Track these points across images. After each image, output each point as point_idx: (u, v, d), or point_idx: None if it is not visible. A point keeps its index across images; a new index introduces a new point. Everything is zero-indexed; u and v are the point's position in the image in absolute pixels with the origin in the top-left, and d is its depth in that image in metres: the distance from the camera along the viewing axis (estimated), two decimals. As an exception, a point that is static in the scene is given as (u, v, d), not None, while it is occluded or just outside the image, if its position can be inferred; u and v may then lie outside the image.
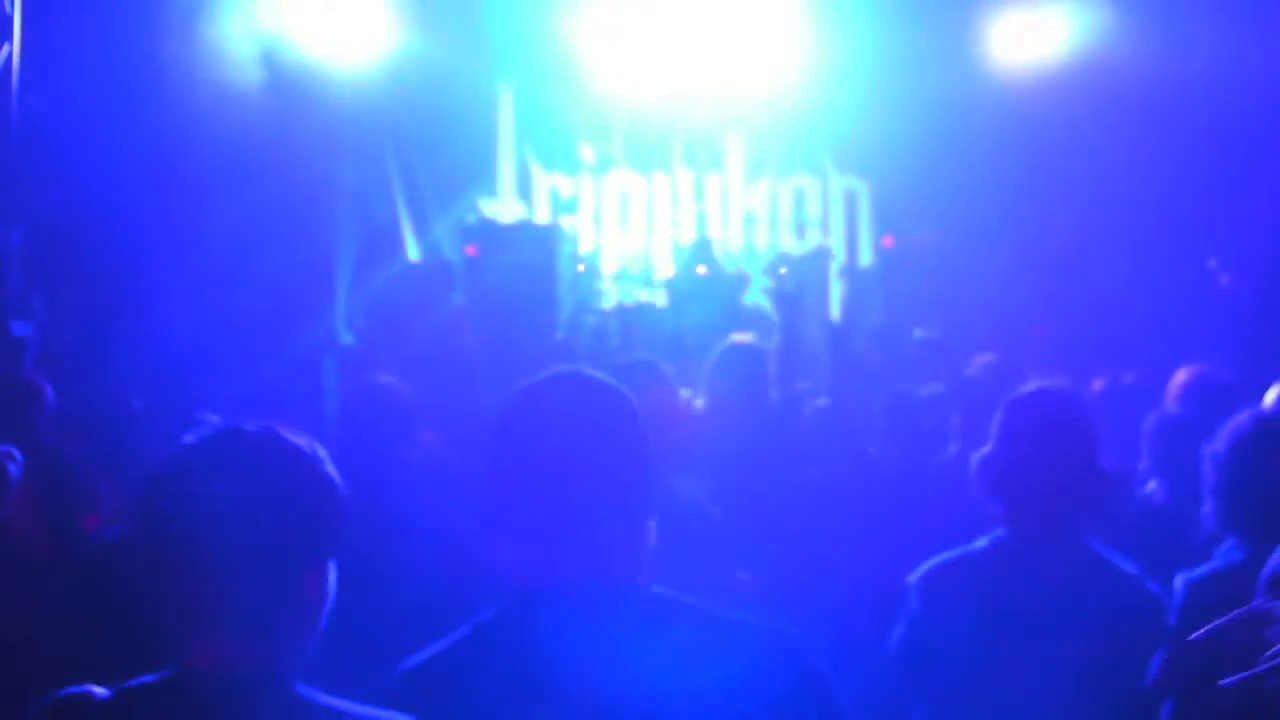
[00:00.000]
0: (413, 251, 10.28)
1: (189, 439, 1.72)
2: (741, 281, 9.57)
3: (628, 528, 1.78)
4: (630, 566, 1.77)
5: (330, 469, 1.77)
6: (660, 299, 10.07)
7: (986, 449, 2.81)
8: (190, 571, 1.65)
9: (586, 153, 11.40)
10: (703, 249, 9.95)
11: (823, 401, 4.86)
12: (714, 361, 4.72)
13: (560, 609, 1.72)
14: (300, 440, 1.76)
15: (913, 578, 2.82)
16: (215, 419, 1.79)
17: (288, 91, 8.76)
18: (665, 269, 11.13)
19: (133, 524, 1.74)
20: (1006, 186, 10.18)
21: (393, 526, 3.65)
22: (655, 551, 1.80)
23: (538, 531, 1.76)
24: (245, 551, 1.65)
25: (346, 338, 8.69)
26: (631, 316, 9.56)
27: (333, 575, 1.76)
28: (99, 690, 1.69)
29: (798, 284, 7.59)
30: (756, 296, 9.95)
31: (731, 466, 4.13)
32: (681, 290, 9.47)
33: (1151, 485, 3.99)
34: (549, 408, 1.84)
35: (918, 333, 5.93)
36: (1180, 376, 4.47)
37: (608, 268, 11.15)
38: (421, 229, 10.17)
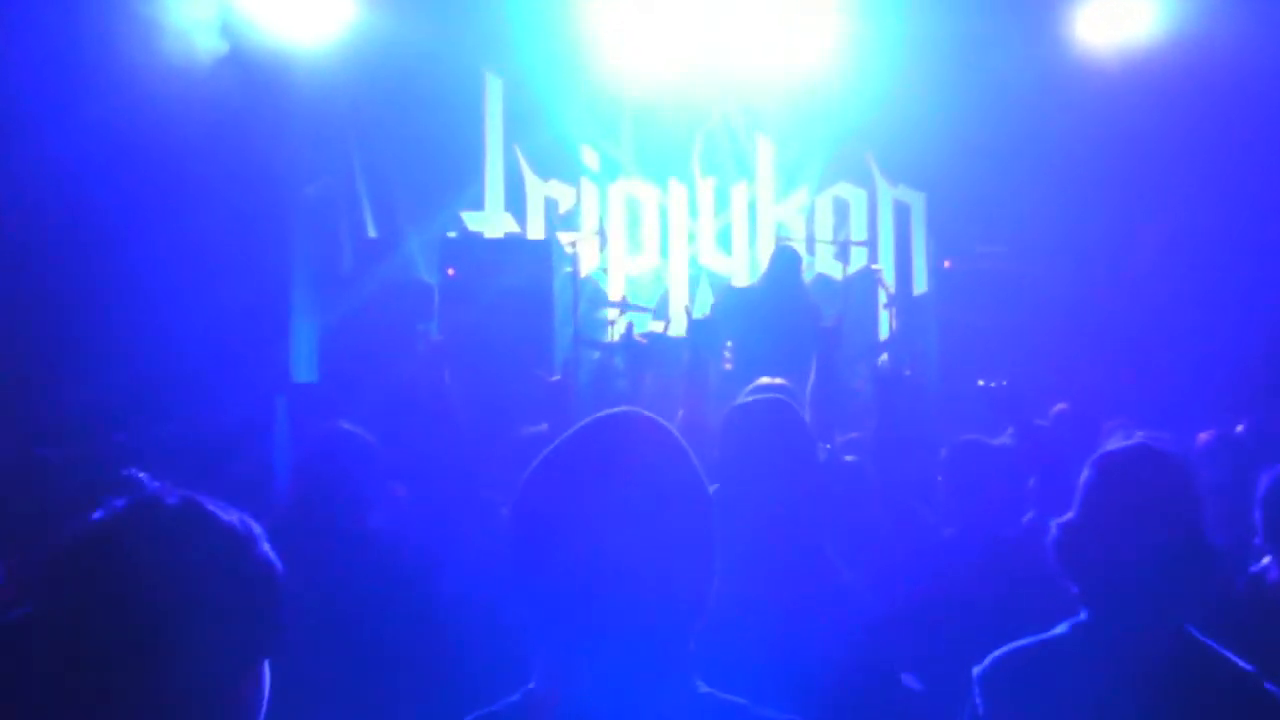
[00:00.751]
0: (381, 272, 10.30)
1: (99, 513, 1.69)
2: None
3: (677, 606, 1.79)
4: (676, 650, 1.78)
5: (266, 550, 1.75)
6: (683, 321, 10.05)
7: (1066, 516, 2.79)
8: (98, 670, 1.62)
9: (589, 156, 11.46)
10: (787, 262, 9.72)
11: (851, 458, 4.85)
12: (732, 409, 4.70)
13: (589, 704, 1.74)
14: (231, 516, 1.74)
15: (977, 670, 2.79)
16: (142, 477, 1.77)
17: (235, 85, 8.80)
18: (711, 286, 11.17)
19: (32, 611, 1.70)
20: (1088, 199, 10.17)
21: (356, 601, 3.64)
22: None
23: (572, 607, 1.76)
24: (162, 652, 1.62)
25: (302, 375, 8.71)
26: (642, 351, 9.55)
27: (268, 677, 1.74)
28: None
29: (839, 315, 7.48)
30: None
31: (754, 535, 4.11)
32: (750, 310, 9.30)
33: (1265, 561, 3.96)
34: (594, 458, 1.83)
35: (981, 382, 5.91)
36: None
37: (614, 293, 11.18)
38: (392, 246, 10.19)
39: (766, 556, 3.30)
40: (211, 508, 1.73)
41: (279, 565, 1.75)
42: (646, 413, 1.90)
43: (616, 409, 1.92)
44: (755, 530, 3.36)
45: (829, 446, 4.19)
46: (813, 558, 3.42)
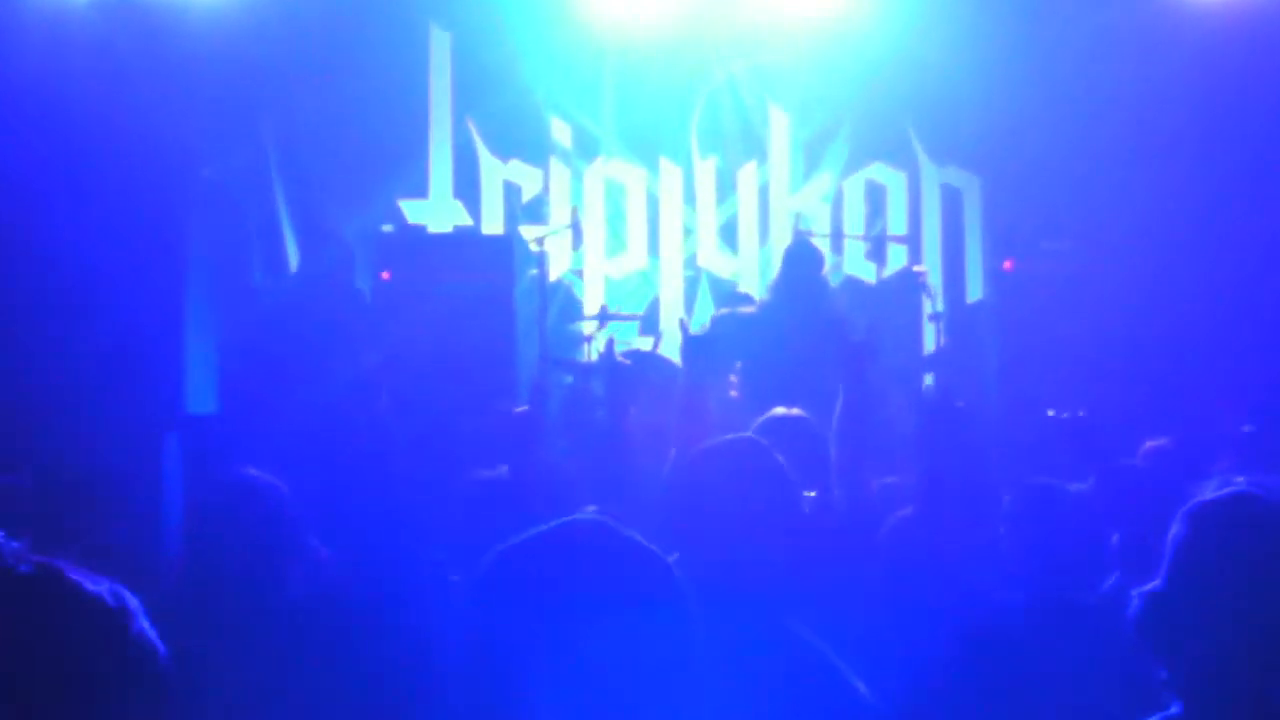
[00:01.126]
0: (299, 277, 10.30)
1: None
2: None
3: None
4: None
5: (145, 629, 1.75)
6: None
7: (1155, 584, 2.80)
8: None
9: (560, 130, 11.47)
10: (805, 261, 9.66)
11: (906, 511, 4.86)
12: (689, 455, 4.73)
13: None
14: (99, 587, 1.73)
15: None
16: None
17: (115, 34, 8.79)
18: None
19: None
20: (1188, 183, 10.18)
21: (265, 690, 3.64)
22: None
23: None
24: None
25: (198, 406, 8.69)
26: (626, 375, 9.54)
27: None
28: None
29: (872, 329, 7.44)
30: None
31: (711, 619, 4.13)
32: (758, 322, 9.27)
33: None
34: (553, 582, 1.90)
35: (1051, 412, 5.92)
36: None
37: (591, 301, 11.18)
38: (313, 243, 10.19)
39: (726, 649, 3.28)
40: (75, 576, 1.72)
41: (161, 648, 1.75)
42: (610, 520, 1.97)
43: (573, 518, 1.99)
44: (712, 613, 3.34)
45: (813, 494, 4.20)
46: (789, 649, 3.39)
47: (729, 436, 4.02)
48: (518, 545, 1.94)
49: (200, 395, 8.84)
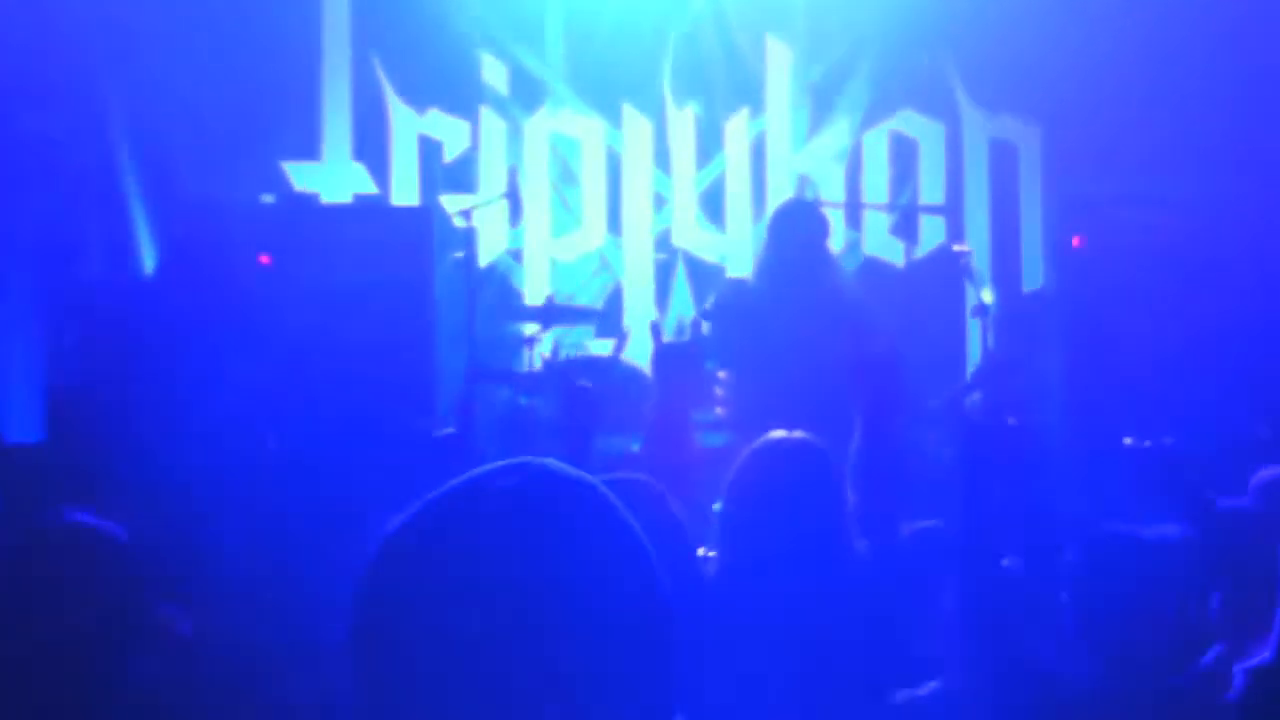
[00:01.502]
0: (149, 258, 10.28)
1: None
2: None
3: None
4: None
5: None
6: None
7: (1264, 658, 2.81)
8: None
9: (493, 71, 11.47)
10: (806, 232, 9.49)
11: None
12: (735, 474, 4.74)
13: None
14: None
15: None
16: None
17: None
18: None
19: None
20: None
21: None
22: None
23: None
24: None
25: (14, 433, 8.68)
26: (581, 392, 9.57)
27: None
28: None
29: (900, 327, 7.45)
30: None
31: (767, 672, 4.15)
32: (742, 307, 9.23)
33: None
34: (482, 538, 1.83)
35: (1129, 440, 5.95)
36: None
37: (533, 292, 11.18)
38: (170, 221, 10.16)
39: None
40: None
41: None
42: (559, 465, 1.92)
43: (513, 461, 1.93)
44: None
45: (712, 554, 4.21)
46: None
47: (618, 475, 4.03)
48: (421, 515, 1.88)
49: (17, 419, 8.85)
